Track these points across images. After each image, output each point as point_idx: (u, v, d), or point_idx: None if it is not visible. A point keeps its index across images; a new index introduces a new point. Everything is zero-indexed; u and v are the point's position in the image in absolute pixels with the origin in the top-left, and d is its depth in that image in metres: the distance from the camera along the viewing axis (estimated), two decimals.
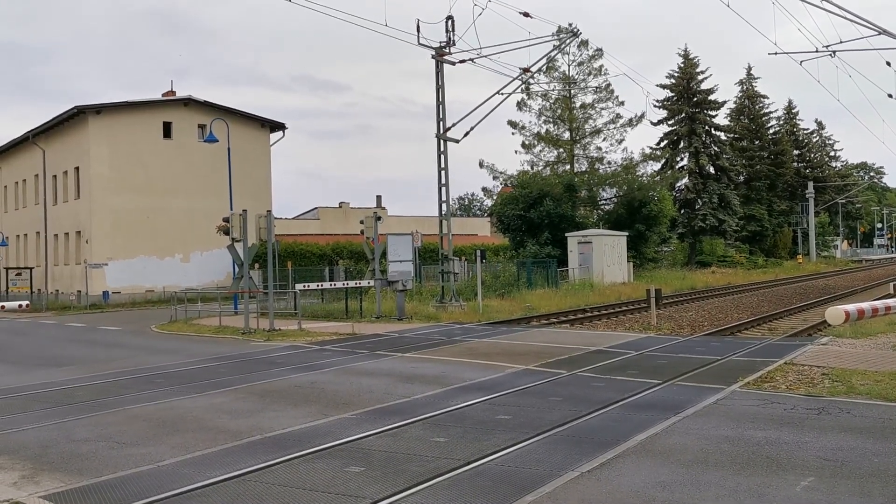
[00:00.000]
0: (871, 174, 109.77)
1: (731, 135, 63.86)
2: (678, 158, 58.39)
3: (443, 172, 26.35)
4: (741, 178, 63.12)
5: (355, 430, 8.41)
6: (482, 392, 10.52)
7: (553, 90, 45.31)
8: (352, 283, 26.07)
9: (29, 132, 42.57)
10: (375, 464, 7.02)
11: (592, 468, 6.66)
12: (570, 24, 30.30)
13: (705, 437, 7.70)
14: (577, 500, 5.90)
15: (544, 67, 39.94)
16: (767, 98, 70.06)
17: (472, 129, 26.96)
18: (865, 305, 10.53)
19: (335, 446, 7.72)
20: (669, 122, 58.89)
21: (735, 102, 67.96)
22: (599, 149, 46.23)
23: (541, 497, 5.94)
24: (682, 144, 58.19)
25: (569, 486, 6.22)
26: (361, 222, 24.76)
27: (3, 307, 18.35)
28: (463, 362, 13.65)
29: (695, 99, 58.07)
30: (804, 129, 78.64)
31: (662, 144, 58.29)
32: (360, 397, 10.50)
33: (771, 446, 7.25)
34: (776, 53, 25.68)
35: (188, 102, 40.25)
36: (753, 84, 68.94)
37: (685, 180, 57.24)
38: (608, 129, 45.89)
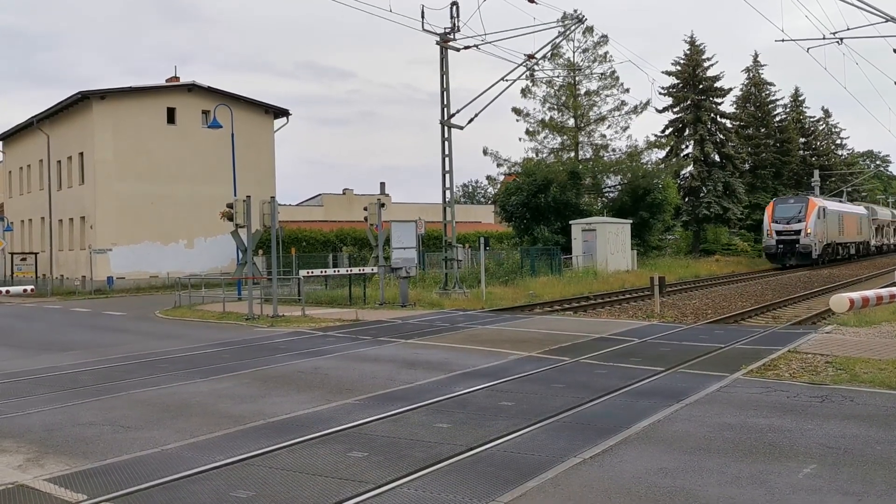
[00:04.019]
0: (878, 162, 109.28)
1: (737, 122, 63.52)
2: (683, 146, 58.15)
3: (447, 159, 26.30)
4: (746, 165, 62.87)
5: (358, 415, 8.43)
6: (485, 378, 10.54)
7: (558, 77, 45.13)
8: (355, 270, 26.10)
9: (33, 117, 42.53)
10: (378, 449, 7.04)
11: (595, 455, 6.68)
12: (576, 11, 30.19)
13: (708, 424, 7.70)
14: (579, 486, 5.91)
15: (549, 54, 39.63)
16: (774, 85, 69.64)
17: (476, 115, 26.91)
18: (870, 294, 10.49)
19: (338, 431, 7.75)
20: (675, 110, 58.60)
21: (741, 90, 67.53)
22: (604, 136, 46.12)
23: (543, 483, 5.95)
24: (687, 132, 57.93)
25: (571, 472, 6.24)
26: (365, 209, 24.77)
27: (8, 292, 18.44)
28: (466, 349, 13.67)
29: (700, 86, 57.73)
30: (810, 117, 78.15)
31: (667, 132, 58.04)
32: (363, 383, 10.52)
33: (773, 434, 7.25)
34: (783, 40, 25.50)
35: (192, 88, 40.18)
36: (760, 71, 68.51)
37: (690, 168, 57.04)
38: (613, 117, 45.76)
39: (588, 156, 45.99)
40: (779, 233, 43.01)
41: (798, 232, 42.46)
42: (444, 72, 26.18)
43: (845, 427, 7.44)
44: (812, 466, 6.21)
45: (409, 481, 6.08)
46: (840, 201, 53.73)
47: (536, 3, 25.61)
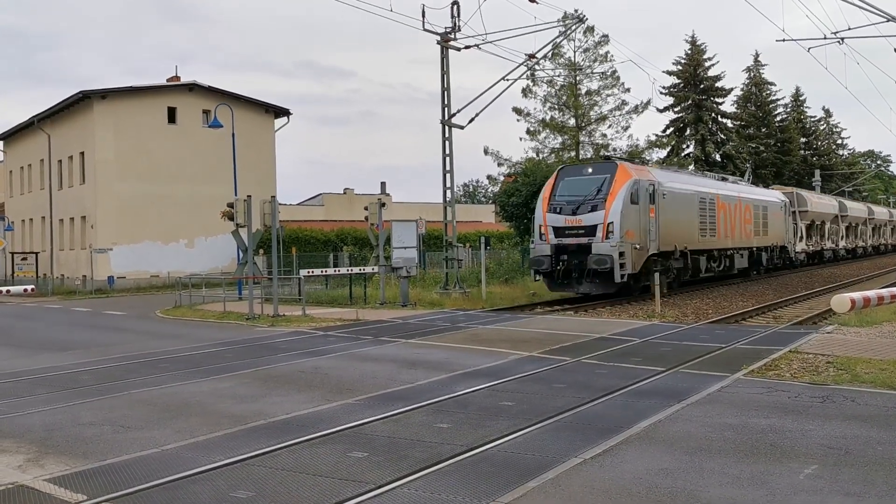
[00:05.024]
0: (878, 162, 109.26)
1: (738, 122, 63.62)
2: (684, 146, 58.26)
3: (447, 159, 26.29)
4: (747, 165, 62.93)
5: (359, 415, 8.42)
6: (486, 378, 10.53)
7: (558, 76, 45.10)
8: (356, 270, 26.09)
9: (34, 117, 42.52)
10: (378, 449, 7.03)
11: (595, 455, 6.66)
12: (576, 10, 30.21)
13: (709, 424, 7.69)
14: (579, 486, 5.90)
15: (550, 54, 39.56)
16: (775, 85, 69.90)
17: (477, 115, 26.91)
18: (871, 294, 10.50)
19: (338, 432, 7.73)
20: (675, 109, 58.70)
21: (742, 89, 67.66)
22: (605, 136, 46.07)
23: (544, 483, 5.94)
24: (688, 132, 58.02)
25: (572, 472, 6.22)
26: (366, 209, 24.73)
27: (8, 291, 18.47)
28: (467, 349, 13.66)
29: (701, 86, 57.81)
30: (811, 117, 78.27)
31: (668, 132, 58.14)
32: (363, 383, 10.51)
33: (774, 434, 7.24)
34: (784, 40, 25.43)
35: (193, 88, 40.18)
36: (761, 71, 68.62)
37: (691, 167, 57.08)
38: (614, 116, 45.72)
39: (589, 155, 45.94)
40: (558, 232, 22.34)
41: (592, 231, 21.67)
42: (444, 71, 26.17)
43: (846, 427, 7.42)
44: (813, 467, 6.20)
45: (409, 481, 6.06)
46: (715, 177, 31.63)
47: (537, 3, 25.61)
